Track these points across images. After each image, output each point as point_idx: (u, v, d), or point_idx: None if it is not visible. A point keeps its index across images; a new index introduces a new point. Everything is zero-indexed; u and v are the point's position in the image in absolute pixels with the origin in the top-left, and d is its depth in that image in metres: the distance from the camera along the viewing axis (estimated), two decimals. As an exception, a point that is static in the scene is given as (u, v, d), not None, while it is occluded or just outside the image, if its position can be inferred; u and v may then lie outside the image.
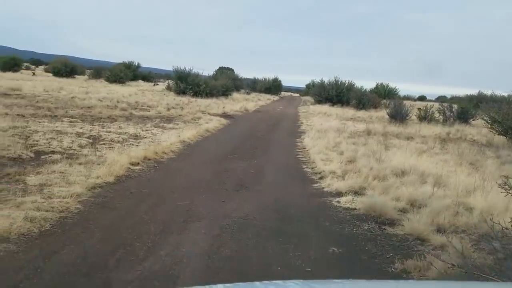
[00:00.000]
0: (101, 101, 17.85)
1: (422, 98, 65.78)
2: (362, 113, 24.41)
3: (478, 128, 18.72)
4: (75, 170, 5.83)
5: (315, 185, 6.56)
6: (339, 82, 32.23)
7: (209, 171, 7.01)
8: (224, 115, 16.90)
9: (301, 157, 9.08)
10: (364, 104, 28.80)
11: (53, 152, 6.95)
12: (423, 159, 8.59)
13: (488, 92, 39.73)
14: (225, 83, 31.19)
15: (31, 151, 6.89)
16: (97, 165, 6.22)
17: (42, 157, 6.61)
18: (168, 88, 31.64)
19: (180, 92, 28.93)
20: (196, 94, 28.59)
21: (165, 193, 5.46)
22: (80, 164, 6.24)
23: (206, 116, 15.37)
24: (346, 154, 8.92)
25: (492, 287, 1.78)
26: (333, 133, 12.77)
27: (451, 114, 19.59)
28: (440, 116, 20.08)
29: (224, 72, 45.33)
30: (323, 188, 6.33)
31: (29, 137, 8.02)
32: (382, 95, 37.77)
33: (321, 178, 6.98)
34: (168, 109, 17.28)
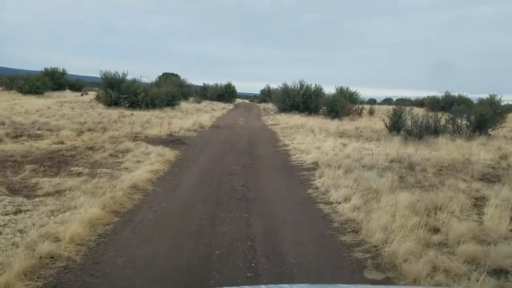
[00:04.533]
0: (-32, 123, 10.82)
1: (372, 102, 63.02)
2: (345, 125, 19.08)
3: (508, 140, 14.00)
4: None
5: None
6: (305, 86, 26.91)
7: None
8: (171, 140, 10.54)
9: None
10: (337, 112, 23.65)
11: None
12: None
13: (455, 93, 36.66)
14: (170, 90, 24.63)
15: None
16: None
17: None
18: (98, 98, 24.50)
19: (112, 103, 22.01)
20: (134, 105, 21.87)
21: None
22: None
23: (140, 146, 8.93)
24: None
25: None
26: (364, 171, 7.01)
27: (468, 123, 14.69)
28: (449, 126, 15.14)
29: (169, 78, 38.55)
30: None
31: None
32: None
33: None
34: (80, 133, 10.63)
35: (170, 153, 8.47)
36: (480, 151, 10.68)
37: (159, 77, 38.54)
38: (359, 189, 5.98)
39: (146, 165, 7.00)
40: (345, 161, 8.33)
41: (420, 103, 48.92)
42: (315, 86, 27.00)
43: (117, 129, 11.60)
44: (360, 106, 27.33)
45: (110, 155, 7.74)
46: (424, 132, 12.22)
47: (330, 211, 5.19)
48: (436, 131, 13.34)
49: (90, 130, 11.74)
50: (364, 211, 4.90)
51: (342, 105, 24.33)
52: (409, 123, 12.63)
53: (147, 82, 27.86)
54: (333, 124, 18.63)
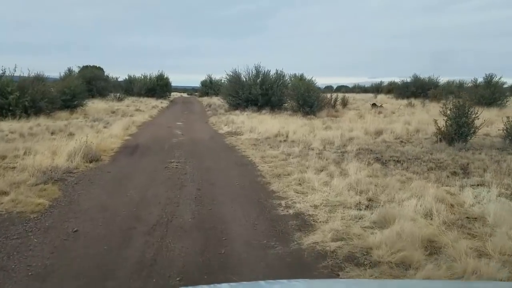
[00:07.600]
0: None
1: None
2: (340, 127, 12.02)
3: None
4: None
5: None
6: (263, 73, 19.53)
7: None
8: None
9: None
10: (311, 106, 16.67)
11: None
12: None
13: (424, 76, 31.33)
14: (67, 85, 15.88)
15: None
16: None
17: None
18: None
19: (-36, 110, 13.02)
20: (4, 111, 13.07)
21: None
22: None
23: None
24: None
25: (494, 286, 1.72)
26: None
27: None
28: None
29: (89, 71, 29.05)
30: None
31: None
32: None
33: None
34: None
35: None
36: None
37: (69, 71, 28.85)
38: None
39: None
40: None
41: (375, 89, 43.66)
42: (276, 73, 19.76)
43: None
44: (334, 96, 20.51)
45: None
46: None
47: None
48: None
49: None
50: None
51: (317, 96, 17.40)
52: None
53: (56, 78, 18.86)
54: (322, 127, 11.53)
